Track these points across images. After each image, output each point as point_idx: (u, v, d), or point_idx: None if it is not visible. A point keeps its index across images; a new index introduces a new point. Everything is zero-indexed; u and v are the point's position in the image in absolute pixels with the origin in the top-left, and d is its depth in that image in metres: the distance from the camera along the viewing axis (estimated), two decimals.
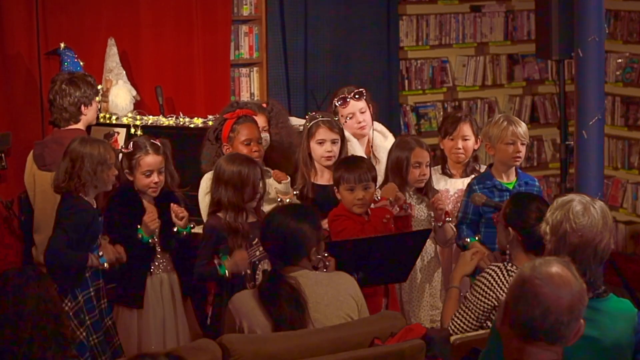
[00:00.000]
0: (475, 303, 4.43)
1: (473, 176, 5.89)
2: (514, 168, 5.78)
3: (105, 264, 5.05)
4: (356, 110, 6.05)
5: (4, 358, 3.61)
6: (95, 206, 5.15)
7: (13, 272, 3.81)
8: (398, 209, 5.40)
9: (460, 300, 4.63)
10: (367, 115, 6.08)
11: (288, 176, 5.58)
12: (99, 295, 5.13)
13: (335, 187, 5.37)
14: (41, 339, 3.65)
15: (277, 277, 4.31)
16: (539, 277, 2.96)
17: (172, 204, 5.28)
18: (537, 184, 5.89)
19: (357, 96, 6.06)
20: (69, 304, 4.96)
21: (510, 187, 5.70)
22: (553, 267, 2.99)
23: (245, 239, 5.11)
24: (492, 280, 4.42)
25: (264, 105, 6.13)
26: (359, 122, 6.05)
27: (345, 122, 6.02)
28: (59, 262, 4.97)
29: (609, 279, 5.33)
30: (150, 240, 5.19)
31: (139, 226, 5.17)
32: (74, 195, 5.05)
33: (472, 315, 4.43)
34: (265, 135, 5.88)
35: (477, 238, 5.54)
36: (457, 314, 4.47)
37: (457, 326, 4.46)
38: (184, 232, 5.31)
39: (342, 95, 6.06)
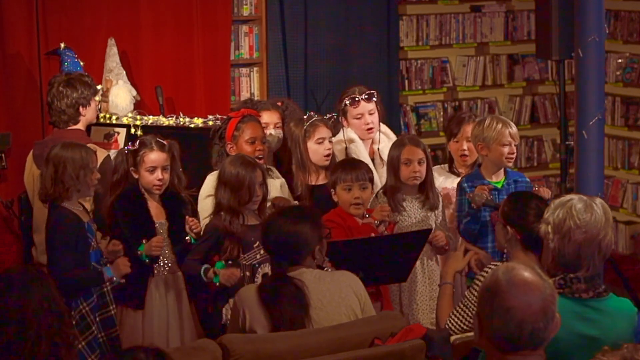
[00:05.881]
0: (473, 302, 4.42)
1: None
2: (497, 168, 5.78)
3: (113, 277, 5.01)
4: (365, 111, 6.05)
5: (11, 357, 3.61)
6: (82, 208, 5.16)
7: (16, 270, 3.80)
8: (384, 229, 5.40)
9: (454, 297, 4.63)
10: (375, 117, 6.08)
11: None
12: (104, 301, 5.09)
13: (332, 189, 5.39)
14: (48, 338, 3.65)
15: (281, 278, 4.32)
16: (505, 289, 2.92)
17: (187, 217, 5.29)
18: (527, 180, 5.90)
19: (367, 97, 6.06)
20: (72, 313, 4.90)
21: (499, 185, 5.71)
22: (517, 274, 2.95)
23: (239, 242, 5.12)
24: None
25: (279, 104, 6.15)
26: (367, 124, 6.04)
27: (350, 122, 6.02)
28: (74, 284, 4.94)
29: (609, 279, 5.32)
30: (147, 260, 5.18)
31: (143, 241, 5.16)
32: (58, 205, 5.04)
33: (470, 314, 4.43)
34: (277, 132, 5.94)
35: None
36: (455, 312, 4.47)
37: (455, 324, 4.45)
38: (193, 243, 5.31)
39: (353, 95, 6.05)
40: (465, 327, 4.45)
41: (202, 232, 5.29)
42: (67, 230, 5.00)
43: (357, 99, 6.03)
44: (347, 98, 6.06)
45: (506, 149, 5.68)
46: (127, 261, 5.03)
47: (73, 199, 5.08)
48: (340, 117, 6.07)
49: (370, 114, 6.06)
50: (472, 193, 5.55)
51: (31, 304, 3.64)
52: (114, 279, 5.00)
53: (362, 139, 6.03)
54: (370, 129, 6.05)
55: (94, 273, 5.01)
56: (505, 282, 2.94)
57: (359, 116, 6.04)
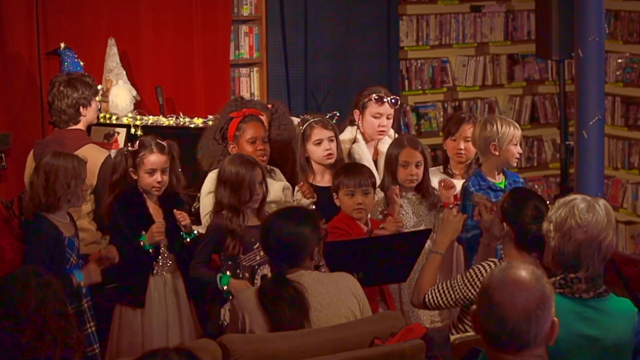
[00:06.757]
0: (460, 286, 4.47)
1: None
2: (502, 168, 5.80)
3: (81, 283, 4.94)
4: (385, 113, 6.07)
5: (26, 358, 3.60)
6: (70, 220, 5.13)
7: (32, 272, 3.77)
8: None
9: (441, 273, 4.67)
10: (390, 123, 6.11)
11: (315, 195, 5.57)
12: (82, 319, 5.01)
13: (334, 194, 5.39)
14: (62, 341, 3.64)
15: (281, 280, 4.31)
16: (494, 286, 2.93)
17: (174, 210, 5.28)
18: (521, 180, 5.93)
19: (393, 101, 6.08)
20: None
21: (502, 186, 5.72)
22: (511, 273, 2.95)
23: (241, 242, 5.12)
24: (481, 275, 4.43)
25: (270, 106, 6.14)
26: (382, 126, 6.06)
27: (366, 118, 6.02)
28: None
29: (609, 279, 5.33)
30: (151, 250, 5.18)
31: (143, 232, 5.16)
32: (41, 217, 4.98)
33: (453, 296, 4.47)
34: None
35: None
36: (439, 288, 4.51)
37: (434, 299, 4.51)
38: (188, 239, 5.30)
39: (381, 95, 6.07)
40: (441, 303, 4.54)
41: (204, 232, 5.29)
42: (42, 243, 4.94)
43: (385, 99, 6.04)
44: (374, 94, 6.06)
45: (516, 149, 5.71)
46: (97, 267, 4.98)
47: (63, 210, 5.06)
48: (356, 111, 6.07)
49: (388, 118, 6.08)
50: (472, 195, 5.55)
51: (49, 307, 3.64)
52: (82, 284, 4.91)
53: (368, 139, 6.05)
54: (383, 132, 6.08)
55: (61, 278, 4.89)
56: (496, 278, 2.95)
57: (378, 115, 6.06)
